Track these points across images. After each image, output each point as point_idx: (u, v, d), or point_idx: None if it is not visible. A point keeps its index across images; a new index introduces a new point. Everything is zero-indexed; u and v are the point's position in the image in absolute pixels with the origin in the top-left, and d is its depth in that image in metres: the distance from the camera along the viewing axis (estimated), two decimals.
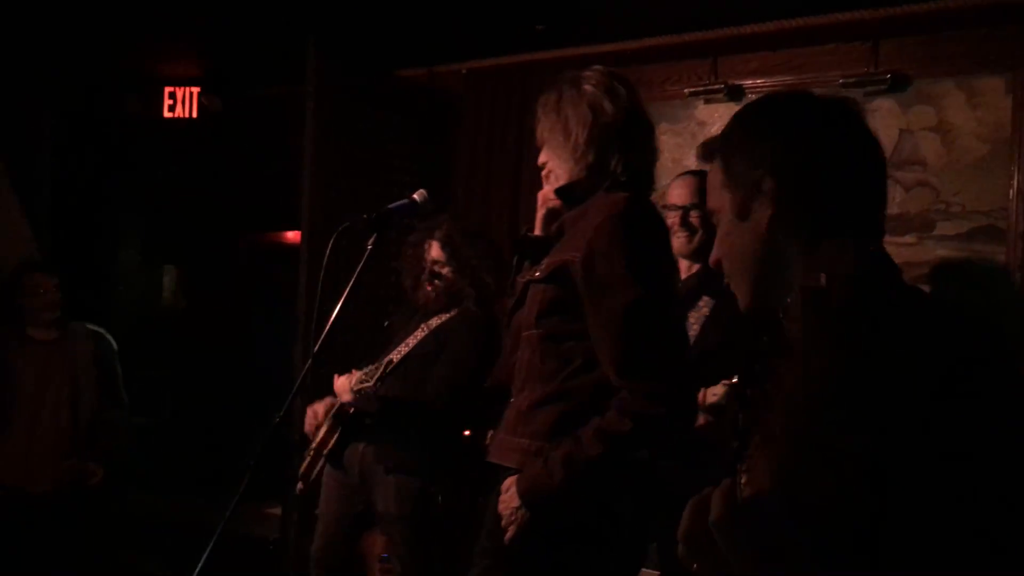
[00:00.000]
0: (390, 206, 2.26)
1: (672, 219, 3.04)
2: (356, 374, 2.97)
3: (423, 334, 3.13)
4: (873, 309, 1.02)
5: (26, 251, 4.81)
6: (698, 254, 3.05)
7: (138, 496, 4.66)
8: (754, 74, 4.12)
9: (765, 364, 1.04)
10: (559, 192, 2.21)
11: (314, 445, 3.08)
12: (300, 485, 3.12)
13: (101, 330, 4.08)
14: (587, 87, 2.15)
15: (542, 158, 2.24)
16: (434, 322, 3.15)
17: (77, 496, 3.77)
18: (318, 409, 3.10)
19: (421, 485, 3.02)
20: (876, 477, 0.91)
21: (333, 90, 4.14)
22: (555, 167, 2.20)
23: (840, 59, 3.88)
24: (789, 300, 1.06)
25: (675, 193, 3.12)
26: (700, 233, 3.04)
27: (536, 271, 2.16)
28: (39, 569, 3.66)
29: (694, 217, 3.06)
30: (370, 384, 2.89)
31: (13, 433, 3.73)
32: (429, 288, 3.16)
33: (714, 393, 2.76)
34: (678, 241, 3.04)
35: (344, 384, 2.99)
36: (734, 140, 1.23)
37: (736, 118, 1.26)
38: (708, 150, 1.31)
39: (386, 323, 3.37)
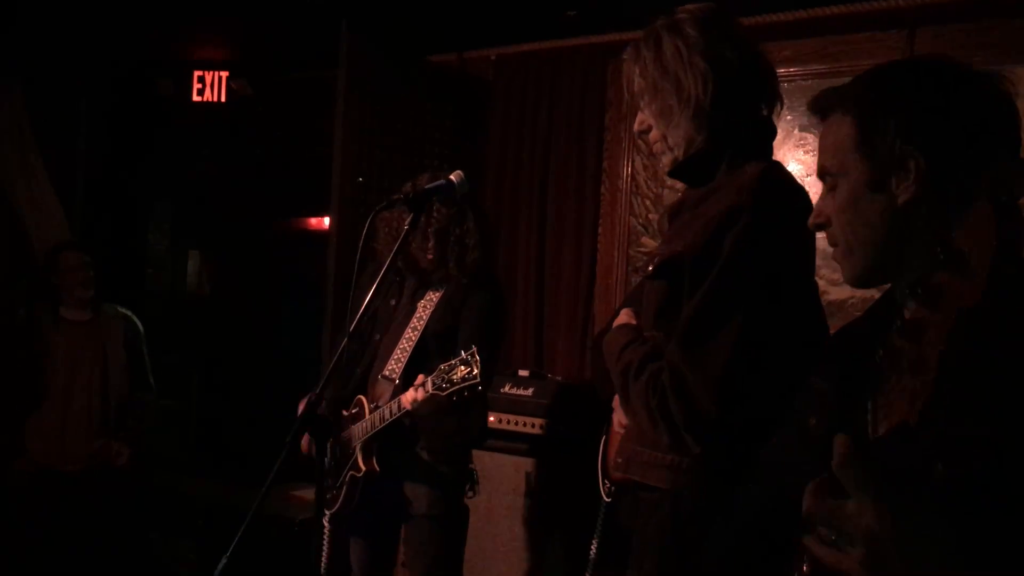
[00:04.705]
0: (427, 186, 2.22)
1: None
2: (422, 378, 2.65)
3: (430, 309, 2.93)
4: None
5: (59, 233, 4.86)
6: None
7: (165, 477, 4.70)
8: (787, 62, 4.07)
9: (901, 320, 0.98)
10: (675, 173, 1.93)
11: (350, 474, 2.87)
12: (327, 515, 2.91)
13: (129, 313, 4.11)
14: (693, 32, 1.80)
15: (643, 124, 1.92)
16: (434, 295, 2.94)
17: (106, 476, 3.81)
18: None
19: (455, 483, 2.94)
20: None
21: (365, 74, 4.13)
22: (668, 134, 1.86)
23: (875, 47, 3.83)
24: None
25: None
26: None
27: (648, 265, 1.90)
28: (69, 547, 3.70)
29: None
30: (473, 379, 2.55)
31: (46, 413, 3.77)
32: (430, 256, 2.90)
33: None
34: None
35: (413, 395, 2.65)
36: (875, 103, 1.15)
37: (878, 78, 1.18)
38: (824, 104, 1.21)
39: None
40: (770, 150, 1.90)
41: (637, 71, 1.88)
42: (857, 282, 1.20)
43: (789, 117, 4.11)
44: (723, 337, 1.68)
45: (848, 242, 1.18)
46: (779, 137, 4.05)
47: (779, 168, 1.86)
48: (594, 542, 2.51)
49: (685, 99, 1.79)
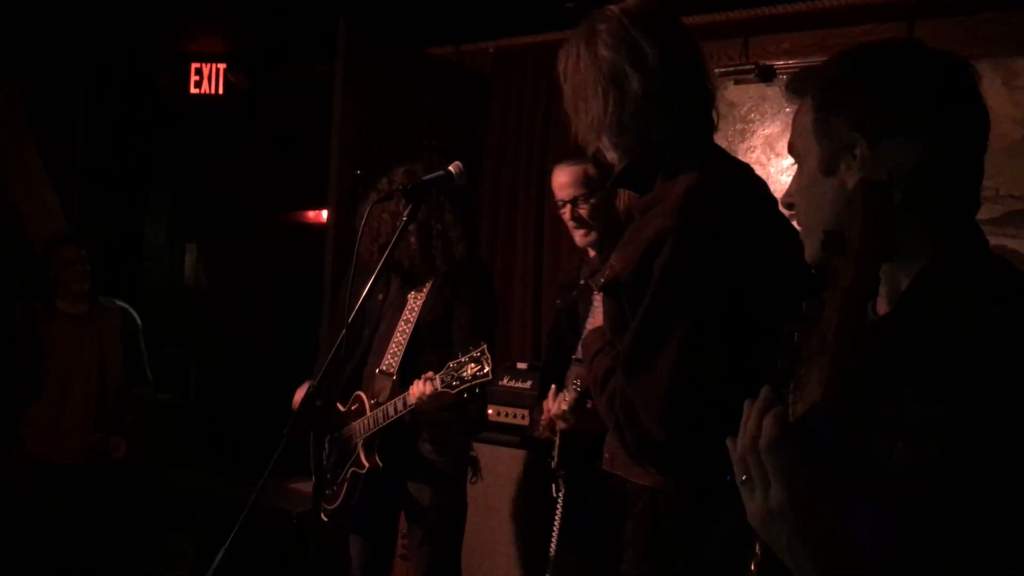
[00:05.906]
0: (425, 178, 2.22)
1: (561, 214, 2.83)
2: (431, 374, 2.61)
3: (421, 300, 2.89)
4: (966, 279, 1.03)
5: (55, 226, 4.85)
6: (602, 244, 2.77)
7: (162, 471, 4.70)
8: (786, 55, 4.07)
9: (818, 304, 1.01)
10: (617, 184, 1.90)
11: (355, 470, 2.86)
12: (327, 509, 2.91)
13: (127, 306, 4.11)
14: (604, 52, 1.74)
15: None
16: (424, 286, 2.92)
17: (103, 469, 3.80)
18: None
19: (456, 474, 2.94)
20: (963, 451, 0.90)
21: (362, 68, 4.12)
22: (599, 141, 1.83)
23: (874, 40, 3.83)
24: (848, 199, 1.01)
25: (557, 184, 2.85)
26: (595, 223, 2.78)
27: (600, 275, 1.85)
28: (66, 541, 3.70)
29: (583, 209, 2.80)
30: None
31: (43, 406, 3.77)
32: (414, 256, 2.88)
33: (565, 400, 2.55)
34: (575, 237, 2.83)
35: (420, 389, 2.62)
36: (834, 89, 1.16)
37: (842, 64, 1.18)
38: (799, 85, 1.23)
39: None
40: (709, 149, 1.85)
41: (562, 82, 1.85)
42: (816, 264, 1.21)
43: (788, 110, 4.11)
44: (662, 366, 1.64)
45: (805, 225, 1.22)
46: (778, 130, 4.12)
47: (714, 176, 1.75)
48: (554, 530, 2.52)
49: (599, 115, 1.76)
